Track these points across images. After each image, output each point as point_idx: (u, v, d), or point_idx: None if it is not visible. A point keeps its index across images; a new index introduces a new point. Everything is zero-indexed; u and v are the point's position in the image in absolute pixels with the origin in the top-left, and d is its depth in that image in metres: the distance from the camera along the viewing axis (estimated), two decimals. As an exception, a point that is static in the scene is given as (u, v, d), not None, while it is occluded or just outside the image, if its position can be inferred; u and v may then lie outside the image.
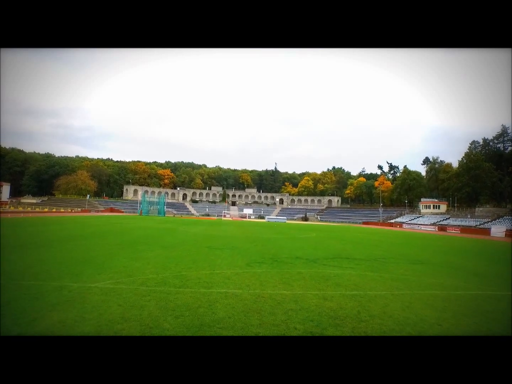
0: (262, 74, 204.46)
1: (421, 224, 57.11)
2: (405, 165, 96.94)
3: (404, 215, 71.19)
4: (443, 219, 58.24)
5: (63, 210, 60.42)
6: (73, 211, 60.70)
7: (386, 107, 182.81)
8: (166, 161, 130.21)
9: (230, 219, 71.71)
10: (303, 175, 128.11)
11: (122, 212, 76.15)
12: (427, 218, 62.30)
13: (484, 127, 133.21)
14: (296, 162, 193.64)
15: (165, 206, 74.17)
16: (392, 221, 68.38)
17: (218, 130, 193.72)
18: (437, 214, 63.68)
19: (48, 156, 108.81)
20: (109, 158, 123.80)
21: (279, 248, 15.26)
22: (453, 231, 47.64)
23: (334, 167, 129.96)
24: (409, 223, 60.70)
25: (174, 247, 13.70)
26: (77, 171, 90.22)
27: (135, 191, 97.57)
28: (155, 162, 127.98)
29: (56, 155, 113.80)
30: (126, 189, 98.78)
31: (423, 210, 68.31)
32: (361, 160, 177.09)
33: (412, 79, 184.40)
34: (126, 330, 4.20)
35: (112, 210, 76.59)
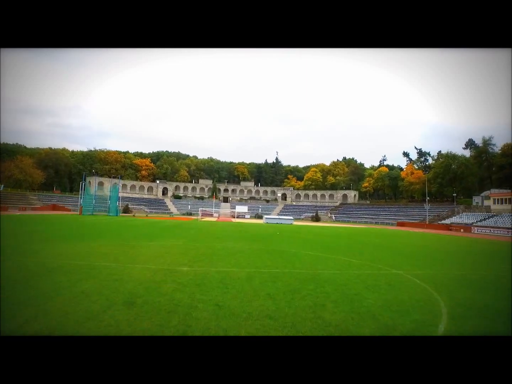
0: (260, 73, 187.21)
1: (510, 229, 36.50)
2: (439, 151, 76.22)
3: (460, 213, 50.66)
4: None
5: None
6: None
7: (386, 107, 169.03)
8: (151, 151, 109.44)
9: (215, 219, 51.26)
10: (308, 168, 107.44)
11: (69, 210, 55.86)
12: (509, 218, 41.69)
13: (484, 127, 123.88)
14: (296, 160, 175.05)
15: (118, 202, 53.41)
16: (447, 222, 47.94)
17: (217, 128, 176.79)
18: (523, 211, 43.03)
19: (5, 145, 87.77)
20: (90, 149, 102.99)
21: None
22: None
23: (345, 158, 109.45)
24: (480, 226, 40.32)
25: None
26: (15, 157, 69.10)
27: (101, 184, 77.55)
28: (137, 151, 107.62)
29: (28, 147, 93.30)
30: (89, 182, 78.43)
31: (493, 206, 47.58)
32: (361, 158, 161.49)
33: (412, 79, 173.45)
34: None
35: (54, 207, 56.18)
